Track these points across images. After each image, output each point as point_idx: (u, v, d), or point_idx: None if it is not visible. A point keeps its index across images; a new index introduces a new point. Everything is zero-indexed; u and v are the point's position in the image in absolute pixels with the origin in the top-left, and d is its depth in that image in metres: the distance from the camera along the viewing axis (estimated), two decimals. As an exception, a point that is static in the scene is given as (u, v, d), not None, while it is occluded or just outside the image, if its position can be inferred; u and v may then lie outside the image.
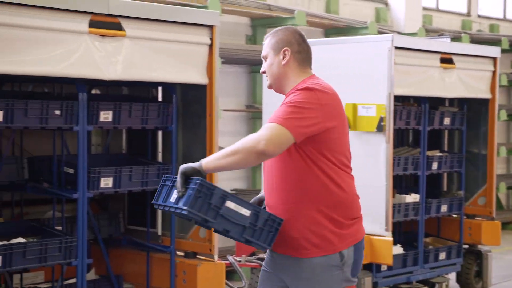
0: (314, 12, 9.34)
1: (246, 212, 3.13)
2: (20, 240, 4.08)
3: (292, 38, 3.31)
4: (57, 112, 4.00)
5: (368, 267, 5.74)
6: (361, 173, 5.88)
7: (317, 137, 3.12)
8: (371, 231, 5.75)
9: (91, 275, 4.98)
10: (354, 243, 3.17)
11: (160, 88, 4.98)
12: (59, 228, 4.44)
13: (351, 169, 3.24)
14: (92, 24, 3.97)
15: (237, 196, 3.14)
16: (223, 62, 7.56)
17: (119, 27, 4.10)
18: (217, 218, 3.07)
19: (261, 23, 8.80)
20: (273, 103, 6.41)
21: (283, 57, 3.29)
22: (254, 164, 3.11)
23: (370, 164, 5.81)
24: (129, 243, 4.94)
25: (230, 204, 3.10)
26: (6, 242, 3.98)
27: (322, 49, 6.24)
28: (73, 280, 4.52)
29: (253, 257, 5.99)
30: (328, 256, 3.10)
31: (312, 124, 3.11)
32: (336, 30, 9.59)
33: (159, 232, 4.92)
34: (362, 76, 5.89)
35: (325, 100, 3.16)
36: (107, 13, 4.02)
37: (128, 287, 5.15)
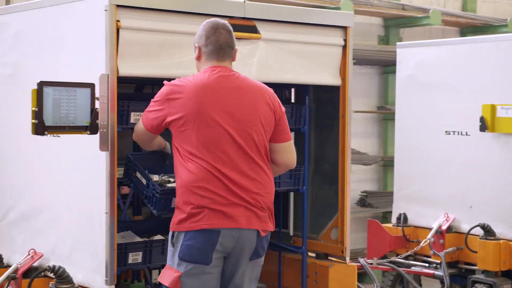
0: (450, 10, 9.09)
1: (144, 181, 3.85)
2: (159, 237, 4.23)
3: (202, 33, 3.60)
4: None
5: (507, 274, 5.52)
6: (499, 176, 5.69)
7: (171, 130, 3.52)
8: (510, 236, 5.54)
9: (225, 273, 5.09)
10: (186, 230, 3.45)
11: (293, 90, 5.02)
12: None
13: (201, 159, 3.45)
14: (228, 28, 4.05)
15: (143, 168, 3.88)
16: (354, 63, 7.52)
17: (254, 30, 4.16)
18: (134, 185, 3.91)
19: (394, 23, 8.68)
20: (407, 104, 6.33)
21: (196, 53, 3.62)
22: (148, 148, 3.89)
23: (509, 167, 5.59)
24: (261, 242, 5.00)
25: (138, 174, 3.89)
26: (146, 239, 4.14)
27: (458, 48, 6.07)
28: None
29: (384, 260, 5.91)
30: (171, 232, 3.53)
31: (156, 117, 3.54)
32: (473, 28, 9.29)
33: (291, 233, 4.95)
34: (501, 76, 5.68)
35: (174, 94, 3.50)
36: (243, 16, 4.09)
37: (260, 286, 5.22)
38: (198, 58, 3.63)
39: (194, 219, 3.44)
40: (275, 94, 3.69)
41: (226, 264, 3.56)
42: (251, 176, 3.51)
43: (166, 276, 3.50)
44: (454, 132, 6.01)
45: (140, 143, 3.86)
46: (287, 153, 3.71)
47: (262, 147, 3.57)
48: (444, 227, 5.88)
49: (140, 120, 3.69)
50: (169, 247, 3.55)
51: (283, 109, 3.70)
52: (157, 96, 3.57)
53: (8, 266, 4.14)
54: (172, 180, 3.90)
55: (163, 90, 3.56)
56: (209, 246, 3.44)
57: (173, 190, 3.75)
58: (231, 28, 3.61)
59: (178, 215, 3.49)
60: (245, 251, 3.54)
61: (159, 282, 3.58)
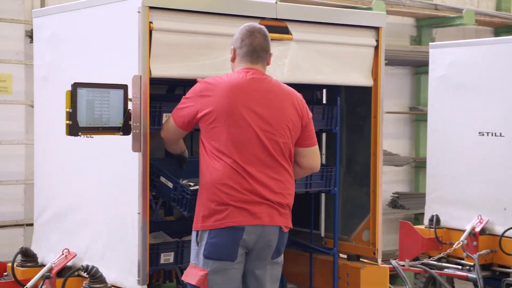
0: (484, 10, 8.99)
1: (170, 184, 3.89)
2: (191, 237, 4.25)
3: (238, 35, 3.67)
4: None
5: None
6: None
7: (200, 126, 3.57)
8: None
9: (256, 274, 5.09)
10: (210, 228, 3.49)
11: (324, 91, 5.01)
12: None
13: (228, 157, 3.49)
14: (260, 29, 4.05)
15: (168, 173, 3.92)
16: (386, 64, 7.47)
17: (286, 31, 4.15)
18: (157, 189, 3.95)
19: (426, 24, 8.61)
20: (440, 105, 6.27)
21: (231, 55, 3.70)
22: (172, 149, 3.92)
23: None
24: (292, 244, 4.99)
25: (162, 178, 3.93)
26: (178, 240, 4.16)
27: (492, 49, 6.01)
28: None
29: (417, 262, 5.87)
30: (194, 231, 3.57)
31: (188, 113, 3.59)
32: (507, 28, 9.18)
33: (322, 234, 4.94)
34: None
35: (206, 91, 3.56)
36: (274, 17, 4.09)
37: (291, 287, 5.21)
38: (233, 59, 3.71)
39: (219, 216, 3.50)
40: (303, 100, 3.77)
41: (248, 261, 3.61)
42: (274, 177, 3.59)
43: (191, 275, 3.54)
44: (487, 133, 5.95)
45: (167, 141, 3.85)
46: (313, 157, 3.81)
47: (287, 151, 3.64)
48: (477, 229, 5.82)
49: (169, 118, 3.72)
50: (193, 246, 3.59)
51: (310, 114, 3.78)
52: (189, 93, 3.63)
53: (43, 265, 4.19)
54: (192, 183, 3.93)
55: (196, 87, 3.62)
56: (233, 242, 3.50)
57: None
58: (267, 33, 3.68)
59: (202, 212, 3.54)
60: (267, 247, 3.61)
61: (183, 281, 3.61)
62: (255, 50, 3.63)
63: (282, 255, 3.75)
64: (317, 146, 3.82)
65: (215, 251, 3.49)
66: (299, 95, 3.76)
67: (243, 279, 3.64)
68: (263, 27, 3.68)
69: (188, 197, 3.80)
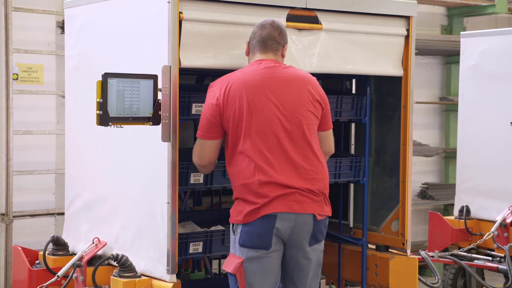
0: (517, -2, 8.85)
1: None
2: (219, 227, 4.27)
3: (253, 30, 3.75)
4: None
5: None
6: None
7: (225, 127, 3.61)
8: None
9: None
10: (243, 222, 3.56)
11: (354, 80, 4.99)
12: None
13: (252, 150, 3.54)
14: (289, 18, 4.04)
15: None
16: (416, 53, 7.40)
17: (315, 21, 4.14)
18: None
19: (458, 12, 8.51)
20: (471, 95, 6.20)
21: (246, 49, 3.80)
22: (209, 170, 3.82)
23: None
24: (321, 234, 4.99)
25: None
26: (206, 229, 4.18)
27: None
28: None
29: (446, 252, 5.83)
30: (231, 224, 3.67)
31: (212, 125, 3.62)
32: (541, 16, 9.04)
33: (351, 224, 4.93)
34: None
35: (218, 99, 3.59)
36: (304, 7, 4.08)
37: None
38: (247, 53, 3.79)
39: (248, 209, 3.55)
40: (318, 84, 3.81)
41: (287, 249, 3.65)
42: (301, 163, 3.61)
43: (229, 263, 3.63)
44: (519, 123, 5.88)
45: (205, 169, 3.79)
46: (329, 140, 3.85)
47: (313, 134, 3.68)
48: (508, 220, 5.76)
49: (197, 141, 3.69)
50: (231, 236, 3.67)
51: (327, 98, 3.82)
52: (207, 104, 3.65)
53: (74, 254, 4.24)
54: None
55: (210, 94, 3.65)
56: (267, 231, 3.55)
57: None
58: (281, 25, 3.73)
59: (236, 207, 3.62)
60: (303, 235, 3.63)
61: (224, 270, 3.68)
62: (264, 39, 3.69)
63: (323, 242, 3.78)
64: (331, 129, 3.87)
65: (250, 239, 3.56)
66: (315, 79, 3.80)
67: (286, 267, 3.68)
68: (276, 21, 3.75)
69: None
